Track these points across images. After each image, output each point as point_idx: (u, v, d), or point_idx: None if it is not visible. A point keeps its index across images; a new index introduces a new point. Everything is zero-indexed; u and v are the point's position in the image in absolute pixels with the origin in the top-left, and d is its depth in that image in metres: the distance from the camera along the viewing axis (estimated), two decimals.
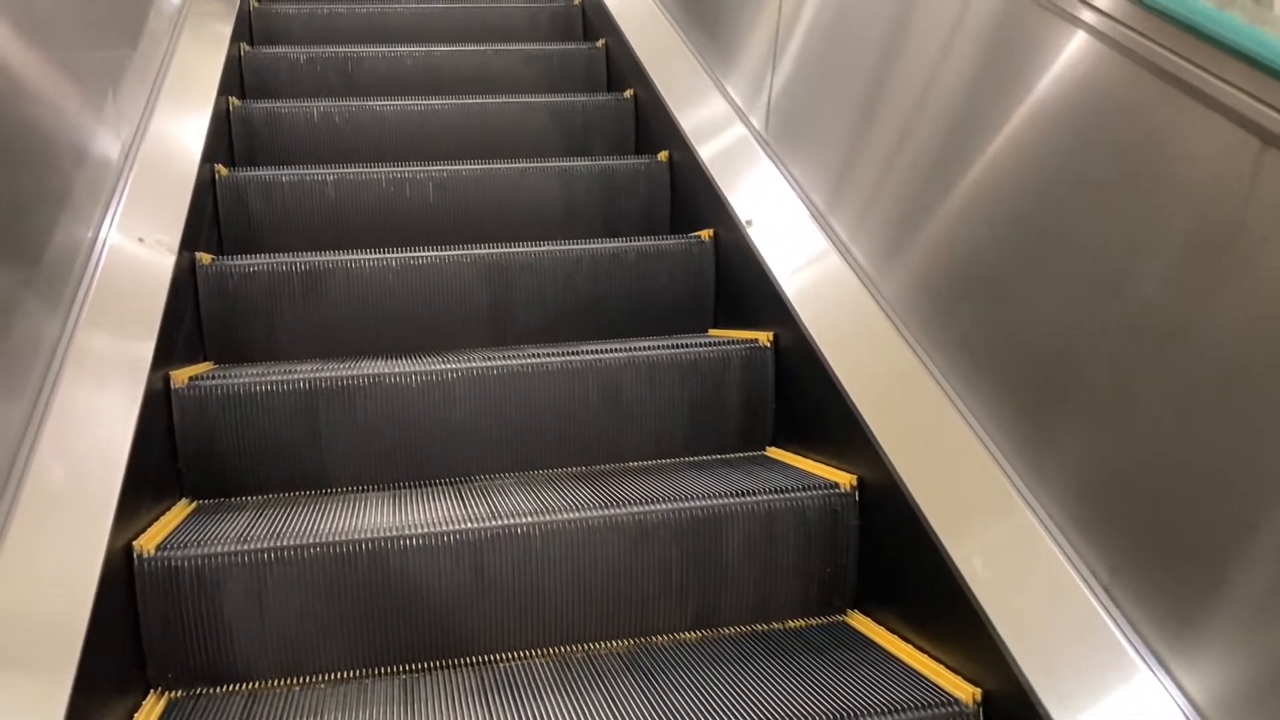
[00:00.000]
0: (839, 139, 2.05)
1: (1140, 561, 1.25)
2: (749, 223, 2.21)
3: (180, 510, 1.78)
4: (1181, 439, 1.19)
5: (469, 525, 1.60)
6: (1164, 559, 1.22)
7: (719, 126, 2.54)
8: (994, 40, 1.59)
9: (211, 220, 2.45)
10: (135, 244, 1.88)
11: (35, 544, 1.27)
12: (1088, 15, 1.35)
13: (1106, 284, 1.31)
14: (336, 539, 1.56)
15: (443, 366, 1.96)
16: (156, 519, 1.67)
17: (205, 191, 2.38)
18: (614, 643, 1.65)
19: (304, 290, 2.22)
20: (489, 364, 1.97)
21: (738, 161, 2.41)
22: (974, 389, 1.55)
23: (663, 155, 2.76)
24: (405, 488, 1.93)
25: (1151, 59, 1.24)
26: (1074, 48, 1.39)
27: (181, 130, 2.36)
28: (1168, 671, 1.20)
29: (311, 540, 1.56)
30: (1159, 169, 1.24)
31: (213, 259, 2.19)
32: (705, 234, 2.42)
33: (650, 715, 1.40)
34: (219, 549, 1.53)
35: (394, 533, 1.58)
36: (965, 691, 1.40)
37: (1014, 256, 1.50)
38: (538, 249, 2.36)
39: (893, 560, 1.64)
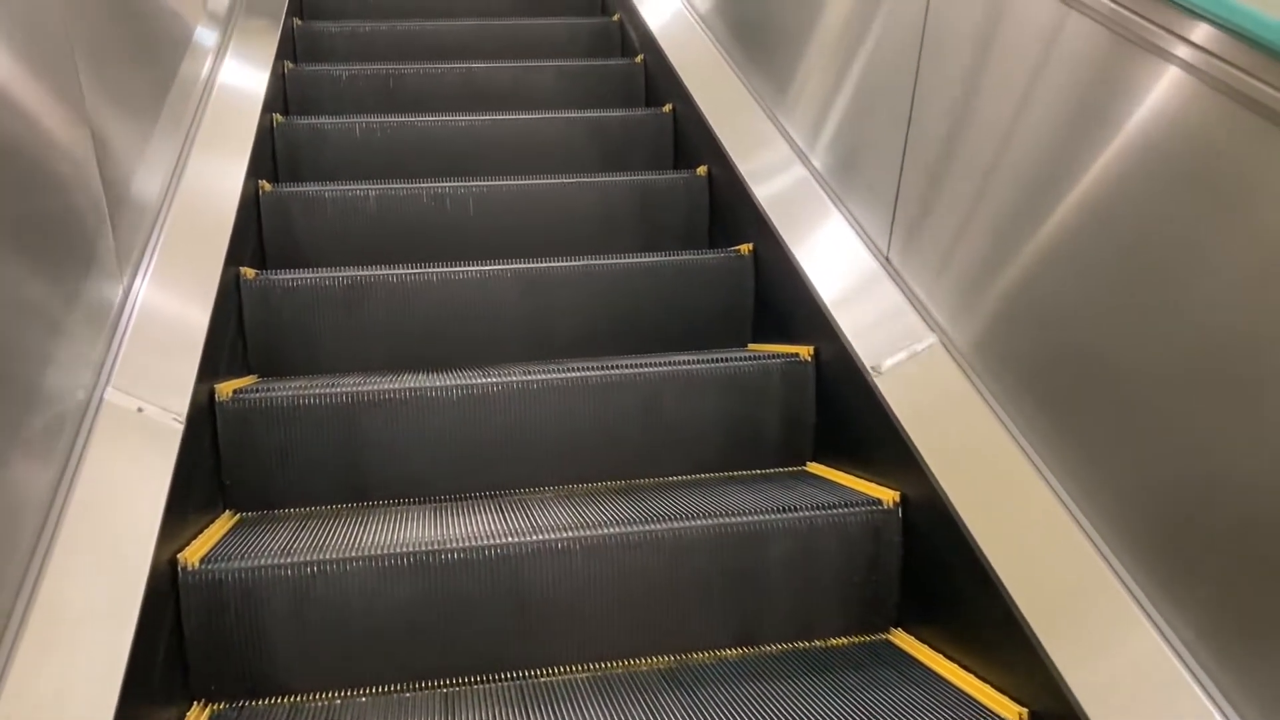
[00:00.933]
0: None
1: (1193, 578, 1.22)
2: (791, 240, 2.20)
3: (224, 523, 1.79)
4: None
5: (509, 539, 1.60)
6: (1219, 585, 1.19)
7: (759, 140, 2.54)
8: (1084, 82, 1.44)
9: (255, 235, 2.48)
10: (182, 260, 1.90)
11: (83, 554, 1.29)
12: None
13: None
14: (377, 552, 1.57)
15: (482, 380, 1.97)
16: (201, 531, 1.68)
17: (249, 207, 2.40)
18: (654, 659, 1.65)
19: (346, 304, 2.24)
20: (528, 378, 1.98)
21: (777, 176, 2.40)
22: (1019, 404, 1.53)
23: (701, 170, 2.75)
24: (445, 501, 1.93)
25: None
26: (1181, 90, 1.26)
27: (225, 148, 2.38)
28: (1224, 694, 1.17)
29: (353, 554, 1.56)
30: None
31: (256, 273, 2.21)
32: (745, 248, 2.41)
33: None
34: (262, 562, 1.54)
35: (434, 546, 1.58)
36: (1011, 711, 1.38)
37: (1078, 285, 1.45)
38: (576, 263, 2.36)
39: (937, 578, 1.62)
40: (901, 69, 1.90)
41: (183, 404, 1.63)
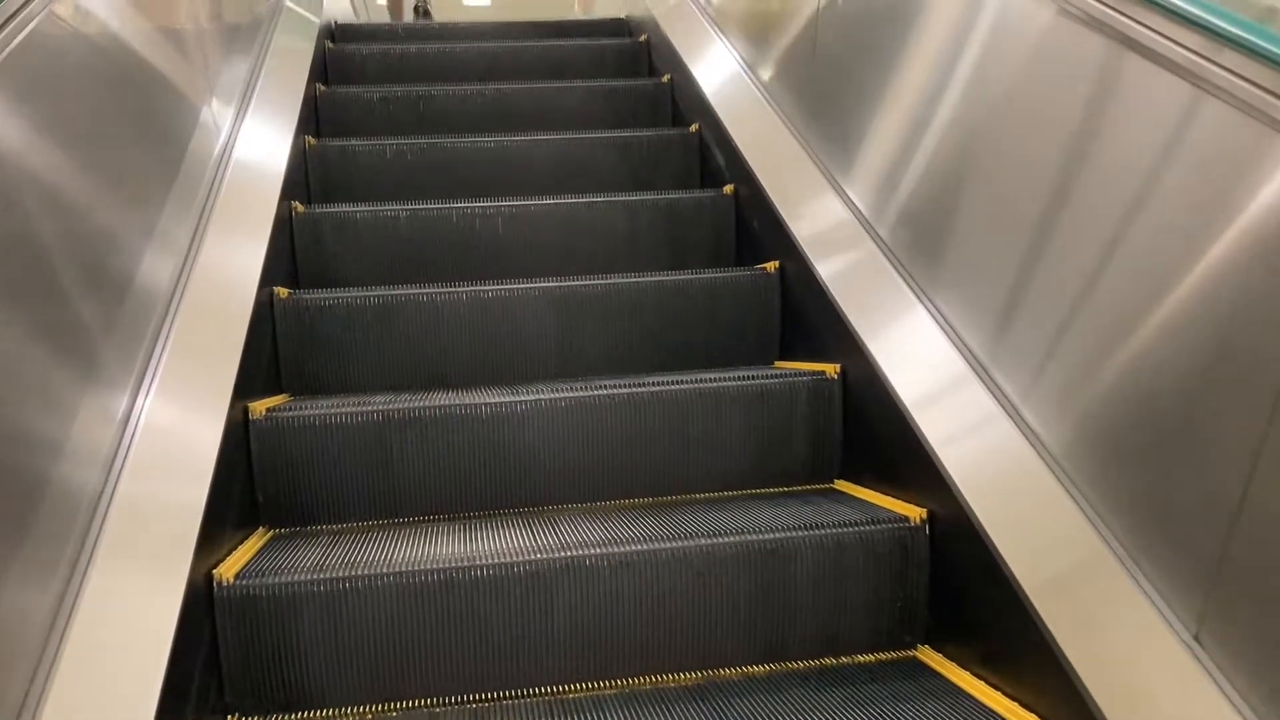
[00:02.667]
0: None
1: (1233, 615, 1.21)
2: (816, 256, 2.21)
3: (258, 539, 1.82)
4: None
5: (538, 556, 1.62)
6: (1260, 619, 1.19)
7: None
8: (1209, 173, 1.28)
9: (288, 255, 2.52)
10: (218, 277, 1.93)
11: (122, 567, 1.31)
12: None
13: None
14: (408, 569, 1.58)
15: (511, 399, 1.98)
16: (236, 547, 1.71)
17: (283, 229, 2.44)
18: (682, 675, 1.65)
19: (377, 323, 2.27)
20: (557, 395, 2.00)
21: (801, 191, 2.41)
22: (1048, 423, 1.53)
23: (728, 189, 2.77)
24: (475, 518, 1.95)
25: None
26: None
27: (260, 168, 2.43)
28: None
29: (384, 570, 1.58)
30: None
31: (289, 293, 2.25)
32: (770, 266, 2.42)
33: None
34: (296, 577, 1.56)
35: (464, 563, 1.60)
36: None
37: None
38: (604, 282, 2.38)
39: (965, 595, 1.62)
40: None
41: (219, 421, 1.66)
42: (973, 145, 1.81)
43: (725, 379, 2.07)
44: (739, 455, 2.06)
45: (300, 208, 2.58)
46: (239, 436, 1.81)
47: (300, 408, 1.93)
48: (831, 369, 2.06)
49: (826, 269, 2.16)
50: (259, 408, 1.89)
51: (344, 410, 1.92)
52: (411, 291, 2.29)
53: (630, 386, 2.03)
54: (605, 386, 2.03)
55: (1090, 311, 1.46)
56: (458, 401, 1.97)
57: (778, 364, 2.36)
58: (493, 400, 1.97)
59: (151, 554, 1.39)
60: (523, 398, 1.99)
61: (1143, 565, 1.33)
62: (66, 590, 1.23)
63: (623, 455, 2.02)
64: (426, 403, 1.96)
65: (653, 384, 2.04)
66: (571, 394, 2.00)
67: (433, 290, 2.29)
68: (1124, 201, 1.40)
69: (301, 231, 2.57)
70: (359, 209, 2.62)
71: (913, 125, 2.04)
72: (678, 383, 2.05)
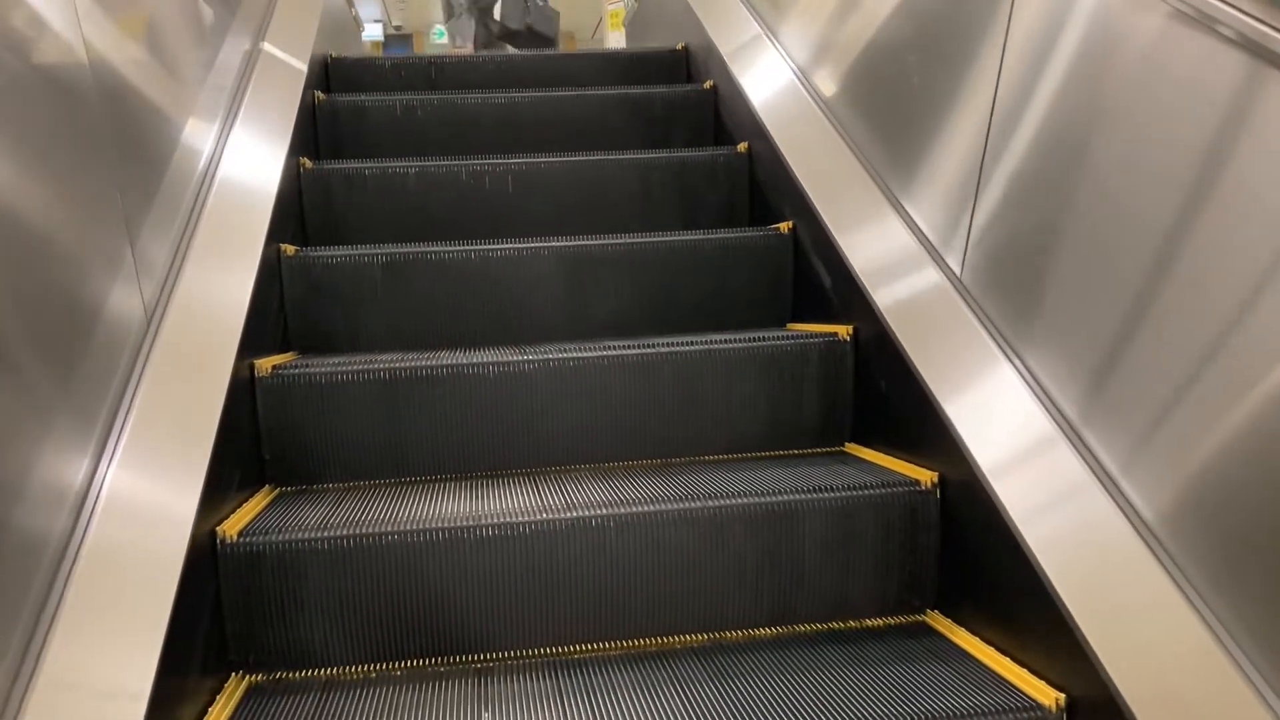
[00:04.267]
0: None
1: (1239, 571, 1.19)
2: (835, 226, 2.17)
3: (263, 497, 1.81)
4: None
5: (544, 516, 1.61)
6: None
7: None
8: None
9: (296, 212, 2.50)
10: (222, 232, 1.91)
11: (125, 524, 1.30)
12: None
13: None
14: (414, 528, 1.58)
15: (520, 358, 1.97)
16: (240, 505, 1.70)
17: (291, 182, 2.42)
18: (688, 637, 1.65)
19: (385, 281, 2.25)
20: (565, 356, 1.97)
21: (812, 150, 2.37)
22: (1055, 376, 1.51)
23: (844, 330, 2.69)
24: (481, 477, 1.94)
25: None
26: None
27: (266, 124, 2.40)
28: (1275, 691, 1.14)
29: (390, 528, 1.57)
30: None
31: (296, 250, 2.23)
32: (784, 226, 2.39)
33: (722, 704, 1.38)
34: (300, 535, 1.56)
35: (470, 522, 1.59)
36: (1048, 696, 1.36)
37: None
38: (615, 241, 2.35)
39: (975, 560, 1.60)
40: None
41: (223, 377, 1.64)
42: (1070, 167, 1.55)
43: (736, 340, 2.04)
44: (749, 417, 2.04)
45: (308, 164, 2.55)
46: (244, 394, 1.80)
47: (306, 365, 1.92)
48: (844, 330, 2.03)
49: (839, 228, 2.13)
50: (265, 365, 1.88)
51: (350, 368, 1.91)
52: (420, 249, 2.27)
53: (640, 348, 2.00)
54: (614, 347, 2.01)
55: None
56: (465, 361, 1.95)
57: (791, 325, 2.34)
58: (501, 360, 1.95)
59: (154, 510, 1.38)
60: (531, 358, 1.97)
61: (1164, 540, 1.30)
62: (66, 547, 1.22)
63: (631, 416, 2.00)
64: (434, 362, 1.94)
65: (662, 345, 2.02)
66: (580, 354, 1.98)
67: (441, 248, 2.27)
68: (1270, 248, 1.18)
69: (310, 189, 2.55)
70: (367, 165, 2.58)
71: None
72: (688, 344, 2.02)
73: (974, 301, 1.72)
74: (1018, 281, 1.63)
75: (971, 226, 1.76)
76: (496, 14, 6.39)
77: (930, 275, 1.84)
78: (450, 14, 6.73)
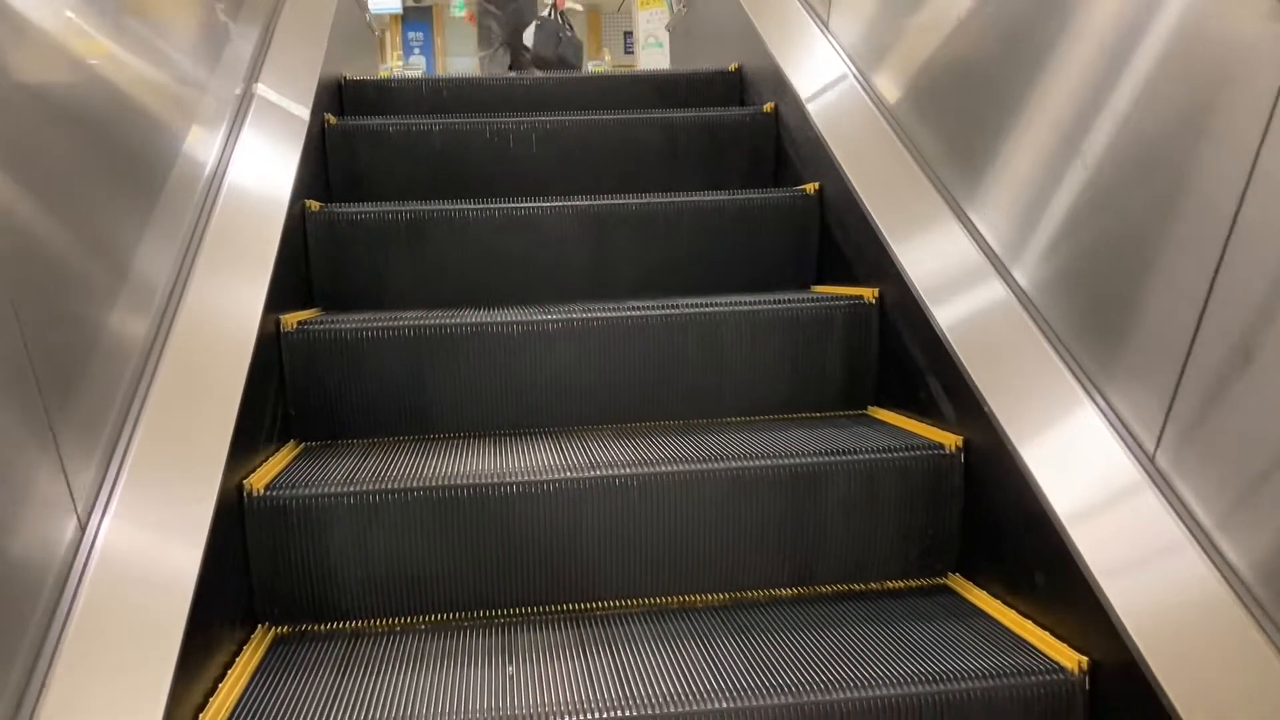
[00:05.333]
0: None
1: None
2: (858, 182, 2.15)
3: (289, 452, 1.83)
4: None
5: (568, 474, 1.61)
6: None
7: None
8: None
9: (319, 169, 2.49)
10: (249, 188, 1.91)
11: (154, 477, 1.31)
12: None
13: None
14: (439, 483, 1.59)
15: (544, 317, 1.96)
16: (266, 459, 1.71)
17: (315, 139, 2.41)
18: (709, 596, 1.66)
19: (409, 238, 2.25)
20: (590, 315, 1.97)
21: (843, 114, 2.34)
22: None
23: (768, 106, 2.70)
24: (505, 435, 1.95)
25: None
26: None
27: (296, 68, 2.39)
28: None
29: (415, 484, 1.58)
30: None
31: (321, 206, 2.23)
32: (810, 187, 2.37)
33: (745, 667, 1.39)
34: (326, 490, 1.57)
35: (495, 479, 1.59)
36: (1071, 659, 1.36)
37: None
38: (640, 201, 2.34)
39: (998, 524, 1.59)
40: None
41: (250, 332, 1.65)
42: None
43: (760, 303, 2.03)
44: (773, 379, 2.04)
45: (332, 120, 2.54)
46: (270, 348, 1.81)
47: (331, 321, 1.92)
48: (869, 293, 2.02)
49: (868, 192, 2.10)
50: (290, 320, 1.89)
51: (375, 325, 1.91)
52: (444, 207, 2.27)
53: (664, 308, 2.00)
54: (638, 308, 2.00)
55: None
56: (490, 319, 1.95)
57: (815, 288, 2.33)
58: (525, 319, 1.95)
59: (184, 462, 1.39)
60: (555, 317, 1.97)
61: (1191, 506, 1.29)
62: (97, 495, 1.23)
63: (655, 377, 2.00)
64: (458, 320, 1.94)
65: (686, 306, 2.01)
66: (604, 314, 1.98)
67: (465, 206, 2.26)
68: None
69: (334, 145, 2.53)
70: (391, 121, 2.57)
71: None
72: (712, 305, 2.02)
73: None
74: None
75: None
76: (528, 40, 6.76)
77: (952, 228, 1.83)
78: (487, 44, 7.11)
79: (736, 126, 2.75)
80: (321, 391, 1.91)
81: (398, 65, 8.24)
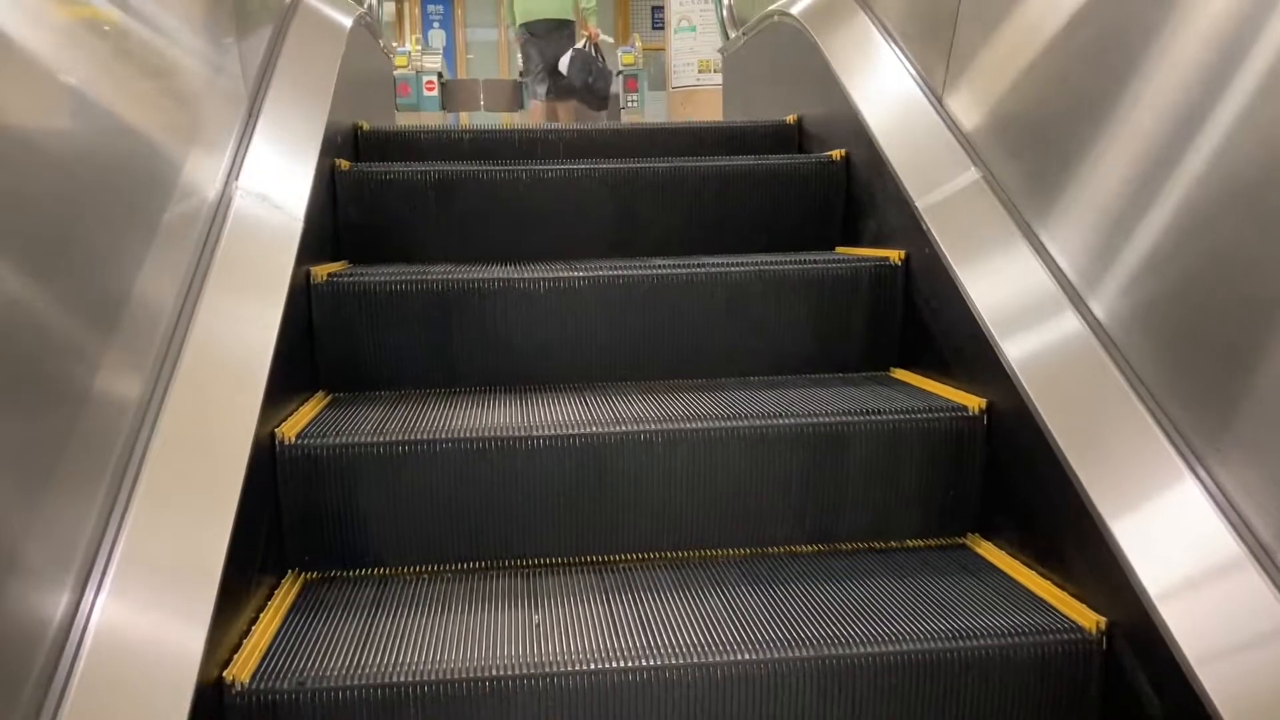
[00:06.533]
0: None
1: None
2: (887, 147, 2.13)
3: (318, 402, 1.86)
4: None
5: (594, 429, 1.63)
6: None
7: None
8: None
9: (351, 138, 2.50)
10: (279, 144, 1.92)
11: (193, 424, 1.34)
12: None
13: None
14: (467, 435, 1.61)
15: (570, 274, 1.98)
16: (297, 409, 1.74)
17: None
18: (731, 550, 1.68)
19: (437, 198, 2.26)
20: (616, 273, 1.99)
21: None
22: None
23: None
24: (531, 389, 1.97)
25: None
26: None
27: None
28: None
29: (443, 435, 1.61)
30: None
31: (351, 164, 2.24)
32: (837, 154, 2.36)
33: (767, 620, 1.42)
34: (356, 439, 1.59)
35: (522, 432, 1.62)
36: (1089, 620, 1.37)
37: None
38: (665, 164, 2.34)
39: (1019, 486, 1.61)
40: None
41: (282, 284, 1.67)
42: None
43: (785, 263, 2.04)
44: (797, 339, 2.05)
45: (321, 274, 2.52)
46: (300, 300, 1.83)
47: (359, 274, 1.94)
48: (895, 255, 2.02)
49: (897, 157, 2.10)
50: (320, 272, 1.91)
51: (402, 278, 1.93)
52: (471, 167, 2.29)
53: (689, 267, 2.01)
54: (664, 266, 2.01)
55: None
56: (516, 275, 1.96)
57: (840, 249, 2.33)
58: (551, 275, 1.97)
59: (220, 411, 1.41)
60: (581, 274, 1.98)
61: (1212, 469, 1.30)
62: (135, 443, 1.25)
63: (680, 335, 2.02)
64: (486, 275, 1.96)
65: (712, 265, 2.02)
66: (629, 272, 2.00)
67: (492, 167, 2.28)
68: None
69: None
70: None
71: None
72: (738, 265, 2.03)
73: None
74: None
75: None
76: (563, 68, 7.23)
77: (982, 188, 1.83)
78: (528, 69, 7.56)
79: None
80: (350, 343, 1.94)
81: (416, 49, 8.21)
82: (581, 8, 7.43)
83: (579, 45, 7.21)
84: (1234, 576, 1.21)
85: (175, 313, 1.44)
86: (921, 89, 2.15)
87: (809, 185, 2.41)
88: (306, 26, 2.31)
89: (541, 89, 7.52)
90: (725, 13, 4.72)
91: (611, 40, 7.57)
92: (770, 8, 3.17)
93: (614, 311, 1.99)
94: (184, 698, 1.09)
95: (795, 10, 2.83)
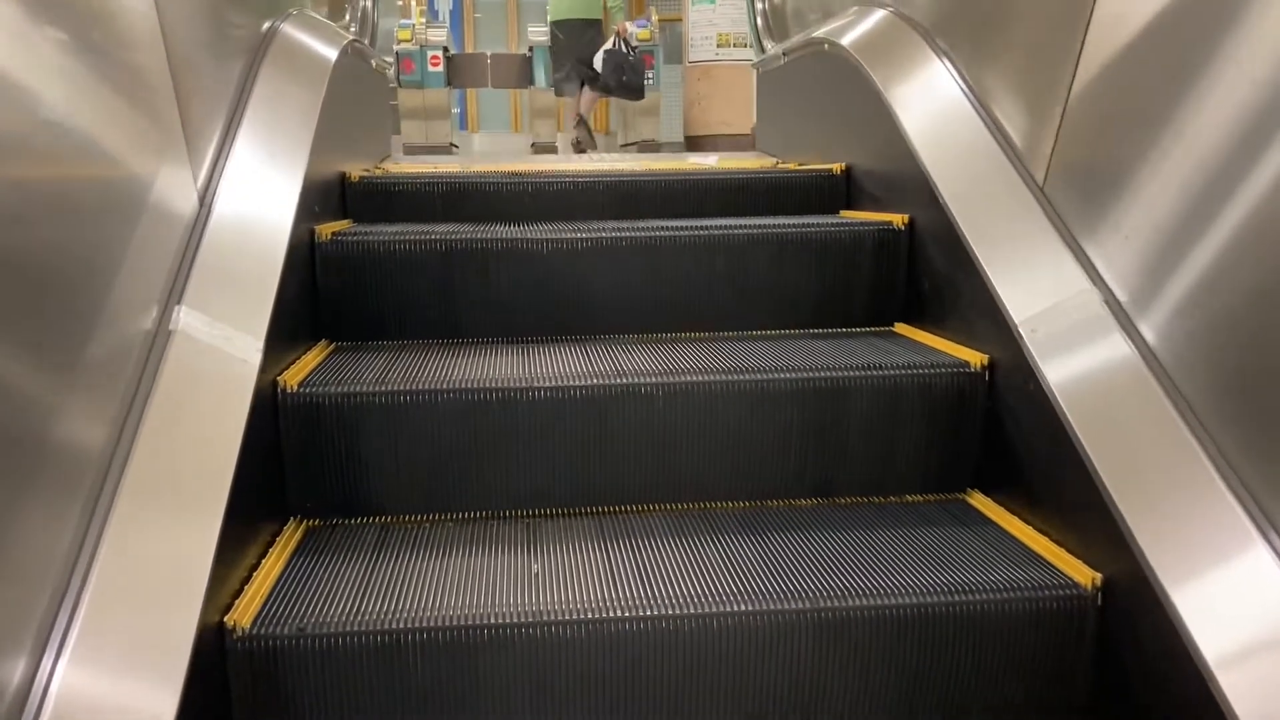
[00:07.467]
0: None
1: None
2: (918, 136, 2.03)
3: (320, 350, 1.87)
4: None
5: (595, 381, 1.64)
6: None
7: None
8: None
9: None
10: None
11: (190, 372, 1.34)
12: None
13: None
14: (469, 386, 1.62)
15: (573, 235, 1.99)
16: (299, 358, 1.75)
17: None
18: (731, 503, 1.69)
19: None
20: (619, 234, 2.00)
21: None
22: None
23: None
24: (534, 342, 1.96)
25: None
26: None
27: None
28: None
29: (445, 386, 1.62)
30: None
31: (331, 234, 2.19)
32: (898, 220, 2.31)
33: (764, 572, 1.42)
34: (358, 388, 1.60)
35: (523, 384, 1.62)
36: (1085, 575, 1.38)
37: None
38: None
39: (1020, 443, 1.60)
40: None
41: (283, 235, 1.67)
42: None
43: (788, 225, 2.04)
44: (800, 301, 2.05)
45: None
46: (303, 254, 1.83)
47: (364, 232, 1.94)
48: (899, 219, 2.02)
49: (913, 126, 2.06)
50: (325, 231, 1.91)
51: (406, 238, 1.94)
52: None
53: (693, 229, 2.01)
54: (667, 228, 2.02)
55: None
56: (519, 235, 1.97)
57: (844, 213, 2.33)
58: (555, 235, 1.97)
59: (217, 357, 1.41)
60: (584, 235, 1.99)
61: (1214, 431, 1.30)
62: (137, 389, 1.26)
63: (683, 300, 2.03)
64: (489, 235, 1.96)
65: (715, 227, 2.02)
66: (633, 234, 2.00)
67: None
68: None
69: None
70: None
71: None
72: (741, 227, 2.03)
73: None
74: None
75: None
76: (597, 64, 7.27)
77: (992, 150, 1.82)
78: (560, 67, 7.61)
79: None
80: (355, 297, 1.95)
81: (420, 23, 8.14)
82: (608, 6, 7.61)
83: (609, 45, 7.24)
84: (1231, 530, 1.21)
85: (174, 266, 1.44)
86: (1016, 170, 1.77)
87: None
88: (278, 77, 1.96)
89: (570, 86, 7.62)
90: (760, 20, 4.30)
91: (638, 31, 7.55)
92: (817, 33, 2.80)
93: (617, 272, 2.00)
94: (186, 642, 1.09)
95: (847, 41, 2.45)
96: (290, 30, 2.15)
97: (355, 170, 2.45)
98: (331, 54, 2.29)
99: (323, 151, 2.03)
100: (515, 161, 3.15)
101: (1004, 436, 1.66)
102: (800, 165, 2.82)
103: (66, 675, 0.98)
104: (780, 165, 3.06)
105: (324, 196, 2.11)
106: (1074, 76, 1.61)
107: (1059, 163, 1.67)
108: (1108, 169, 1.55)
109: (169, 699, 1.04)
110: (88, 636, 1.02)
